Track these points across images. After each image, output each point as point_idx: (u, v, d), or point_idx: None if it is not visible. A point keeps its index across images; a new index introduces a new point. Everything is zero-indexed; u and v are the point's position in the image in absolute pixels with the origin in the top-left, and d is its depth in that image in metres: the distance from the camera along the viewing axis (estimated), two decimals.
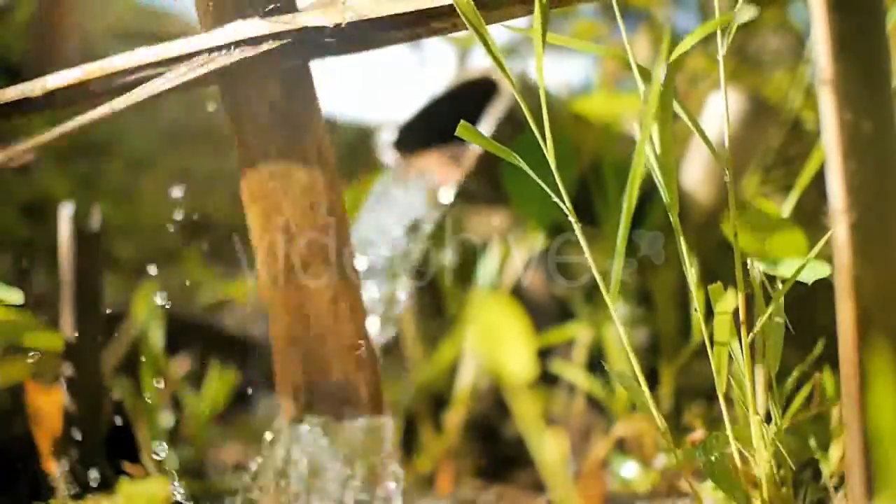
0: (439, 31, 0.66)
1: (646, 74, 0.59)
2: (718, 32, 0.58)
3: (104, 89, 0.70)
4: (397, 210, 0.94)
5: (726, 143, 0.60)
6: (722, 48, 0.58)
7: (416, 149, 1.00)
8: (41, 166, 1.52)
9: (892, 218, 0.44)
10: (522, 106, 0.58)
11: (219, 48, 0.67)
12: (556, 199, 0.59)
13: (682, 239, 0.59)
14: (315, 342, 0.70)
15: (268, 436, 0.72)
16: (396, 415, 1.15)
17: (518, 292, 1.20)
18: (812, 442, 0.68)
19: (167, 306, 1.01)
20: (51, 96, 0.70)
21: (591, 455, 0.99)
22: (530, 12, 0.60)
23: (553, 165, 0.58)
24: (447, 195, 0.94)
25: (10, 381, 0.94)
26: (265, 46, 0.66)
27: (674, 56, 0.54)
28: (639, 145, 0.50)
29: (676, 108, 0.58)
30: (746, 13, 0.50)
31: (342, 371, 0.70)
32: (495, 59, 0.59)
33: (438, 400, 1.16)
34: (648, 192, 0.70)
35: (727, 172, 0.59)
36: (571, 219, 0.59)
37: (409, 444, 1.14)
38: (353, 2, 0.65)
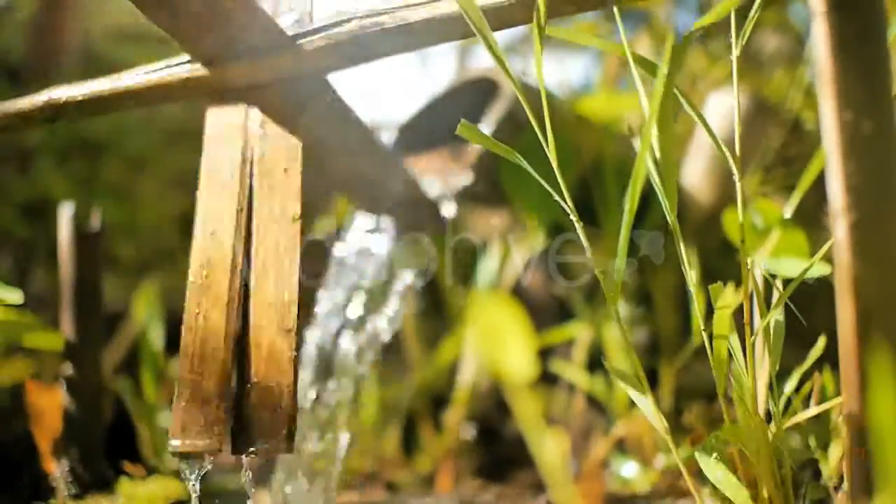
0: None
1: (648, 67, 0.59)
2: (733, 31, 0.58)
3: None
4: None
5: (737, 143, 0.60)
6: (736, 48, 0.58)
7: (417, 149, 1.00)
8: (41, 166, 1.52)
9: (892, 218, 0.44)
10: (524, 105, 0.58)
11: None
12: (557, 199, 0.59)
13: (680, 239, 0.59)
14: None
15: None
16: (396, 415, 1.15)
17: (518, 292, 1.20)
18: (812, 442, 0.68)
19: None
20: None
21: (591, 455, 0.99)
22: (531, 20, 0.60)
23: (555, 165, 0.58)
24: (449, 196, 0.94)
25: (10, 381, 0.94)
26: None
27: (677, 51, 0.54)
28: (642, 146, 0.50)
29: (684, 105, 0.58)
30: None
31: None
32: (497, 58, 0.59)
33: (438, 400, 1.16)
34: (649, 191, 0.70)
35: (735, 172, 0.59)
36: (573, 218, 0.59)
37: (409, 444, 1.14)
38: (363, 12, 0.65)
